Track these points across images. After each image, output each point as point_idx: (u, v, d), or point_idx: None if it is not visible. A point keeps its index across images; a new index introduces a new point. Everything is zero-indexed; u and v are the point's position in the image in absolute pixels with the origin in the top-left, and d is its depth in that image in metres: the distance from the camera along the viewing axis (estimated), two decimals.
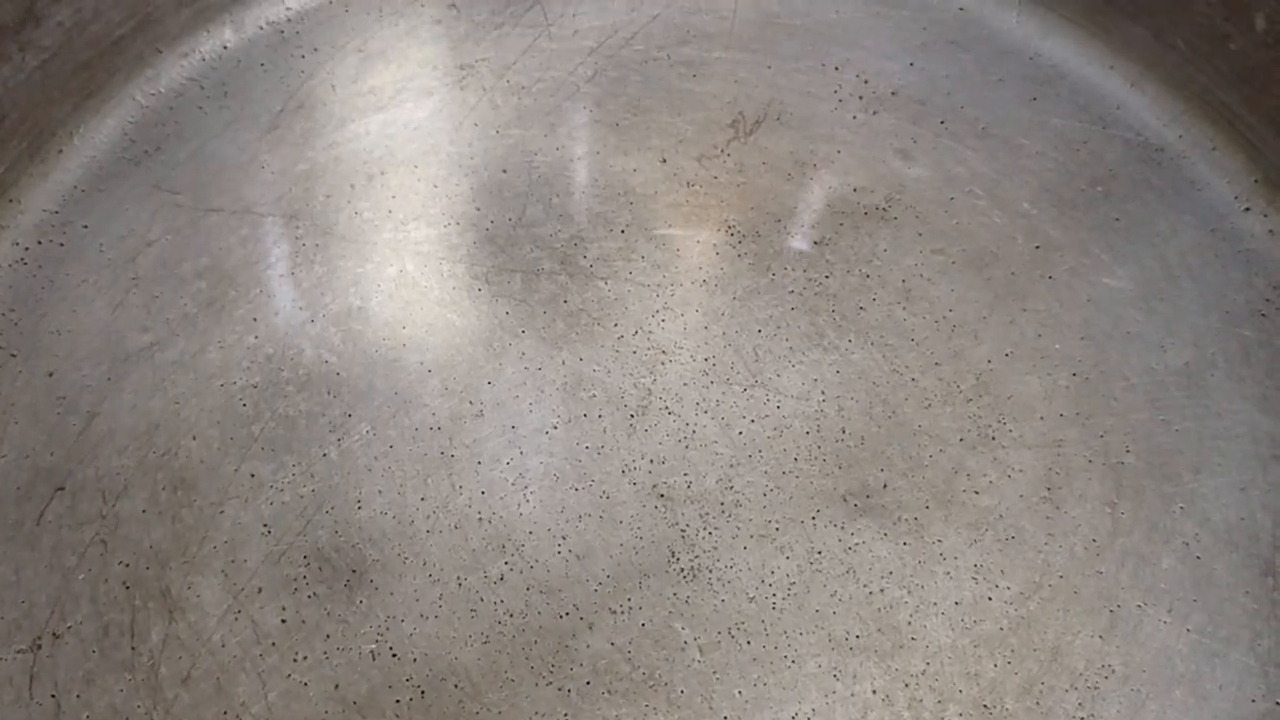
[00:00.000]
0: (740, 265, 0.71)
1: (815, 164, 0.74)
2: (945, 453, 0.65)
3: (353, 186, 0.73)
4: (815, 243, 0.72)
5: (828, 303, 0.70)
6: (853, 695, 0.59)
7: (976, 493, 0.64)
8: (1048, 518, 0.64)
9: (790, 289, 0.70)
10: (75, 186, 0.73)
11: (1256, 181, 0.74)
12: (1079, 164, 0.75)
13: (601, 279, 0.70)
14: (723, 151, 0.75)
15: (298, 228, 0.72)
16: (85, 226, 0.72)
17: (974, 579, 0.62)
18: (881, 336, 0.69)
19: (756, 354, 0.68)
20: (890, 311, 0.69)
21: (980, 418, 0.66)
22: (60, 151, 0.74)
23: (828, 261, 0.71)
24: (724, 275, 0.71)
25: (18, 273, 0.70)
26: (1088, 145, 0.75)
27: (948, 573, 0.62)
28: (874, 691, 0.60)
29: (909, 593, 0.62)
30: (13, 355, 0.67)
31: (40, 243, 0.71)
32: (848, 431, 0.66)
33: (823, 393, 0.67)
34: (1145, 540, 0.63)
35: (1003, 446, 0.65)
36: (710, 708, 0.59)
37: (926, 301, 0.70)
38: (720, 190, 0.73)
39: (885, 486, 0.64)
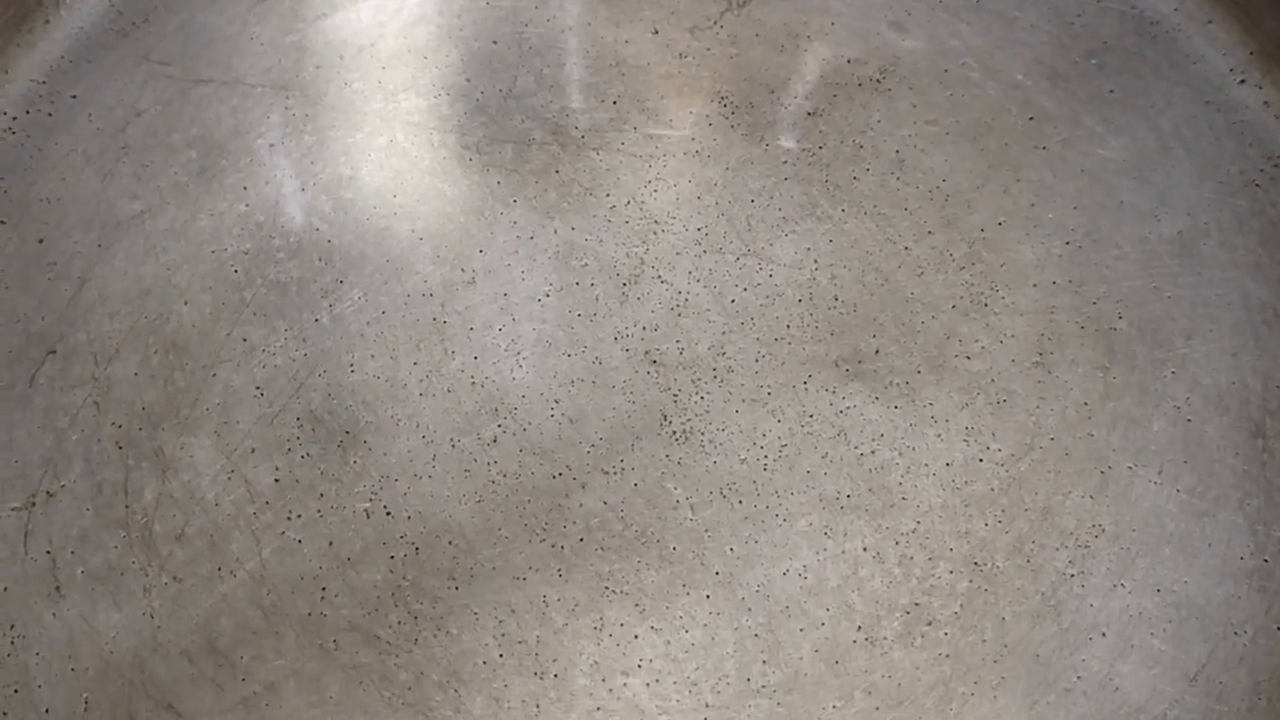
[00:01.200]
0: (733, 136, 0.71)
1: (809, 35, 0.74)
2: (937, 319, 0.65)
3: (342, 58, 0.72)
4: (808, 114, 0.71)
5: (821, 173, 0.69)
6: (843, 552, 0.60)
7: (968, 358, 0.64)
8: (1039, 382, 0.64)
9: (783, 159, 0.70)
10: (63, 57, 0.73)
11: (1252, 54, 0.73)
12: (1073, 37, 0.74)
13: (593, 149, 0.70)
14: (715, 23, 0.74)
15: (287, 98, 0.71)
16: (74, 97, 0.71)
17: (965, 441, 0.62)
18: (875, 206, 0.68)
19: (749, 223, 0.68)
20: (884, 181, 0.69)
21: (973, 285, 0.66)
22: (47, 22, 0.74)
23: (821, 132, 0.71)
24: (716, 146, 0.70)
25: (6, 141, 0.69)
26: (1082, 18, 0.75)
27: (939, 435, 0.63)
28: (864, 549, 0.60)
29: (900, 454, 0.62)
30: (2, 222, 0.67)
31: (28, 112, 0.70)
32: (840, 299, 0.66)
33: (815, 261, 0.67)
34: (1136, 404, 0.63)
35: (995, 313, 0.65)
36: (702, 564, 0.59)
37: (920, 171, 0.70)
38: (713, 61, 0.73)
39: (877, 352, 0.64)
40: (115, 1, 0.74)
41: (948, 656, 0.58)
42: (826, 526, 0.60)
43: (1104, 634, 0.58)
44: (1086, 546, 0.60)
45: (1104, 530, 0.60)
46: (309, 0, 0.74)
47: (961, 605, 0.59)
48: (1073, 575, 0.60)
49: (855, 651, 0.58)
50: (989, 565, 0.60)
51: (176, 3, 0.74)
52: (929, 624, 0.59)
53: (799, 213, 0.68)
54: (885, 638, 0.58)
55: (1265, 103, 0.72)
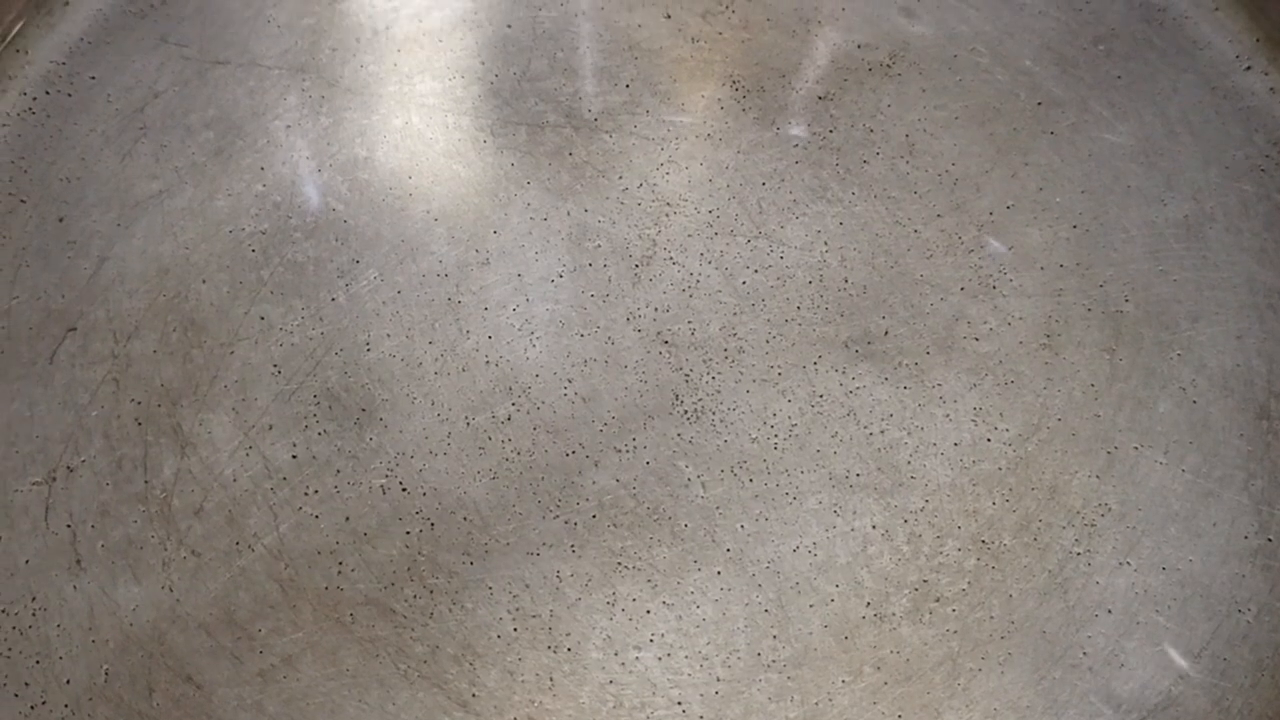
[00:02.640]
0: (744, 120, 0.71)
1: (820, 20, 0.75)
2: (946, 301, 0.66)
3: (358, 40, 0.73)
4: (819, 98, 0.72)
5: (831, 156, 0.70)
6: (853, 530, 0.61)
7: (977, 339, 0.65)
8: (1046, 363, 0.65)
9: (794, 143, 0.70)
10: (82, 38, 0.73)
11: (1258, 40, 0.74)
12: (1081, 22, 0.75)
13: (606, 132, 0.71)
14: (727, 8, 0.75)
15: (304, 80, 0.72)
16: (93, 78, 0.72)
17: (973, 421, 0.63)
18: (884, 189, 0.69)
19: (760, 206, 0.69)
20: (893, 165, 0.70)
21: (981, 268, 0.67)
22: (66, 4, 0.74)
23: (831, 116, 0.71)
24: (728, 129, 0.71)
25: (26, 122, 0.70)
26: (1090, 4, 0.75)
27: (947, 415, 0.63)
28: (873, 527, 0.61)
29: (909, 434, 0.63)
30: (22, 201, 0.68)
31: (48, 93, 0.71)
32: (850, 281, 0.67)
33: (825, 243, 0.68)
34: (1143, 385, 0.64)
35: (1003, 295, 0.66)
36: (713, 540, 0.60)
37: (929, 156, 0.70)
38: (724, 45, 0.74)
39: (886, 333, 0.65)
40: None
41: (955, 633, 0.59)
42: (836, 504, 0.61)
43: (1110, 611, 0.59)
44: (1093, 525, 0.61)
45: (1110, 509, 0.61)
46: None
47: (969, 582, 0.60)
48: (1079, 554, 0.60)
49: (864, 627, 0.59)
50: (996, 543, 0.60)
51: None
52: (937, 600, 0.59)
53: (809, 196, 0.69)
54: (894, 614, 0.59)
55: (1271, 89, 0.73)
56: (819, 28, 0.74)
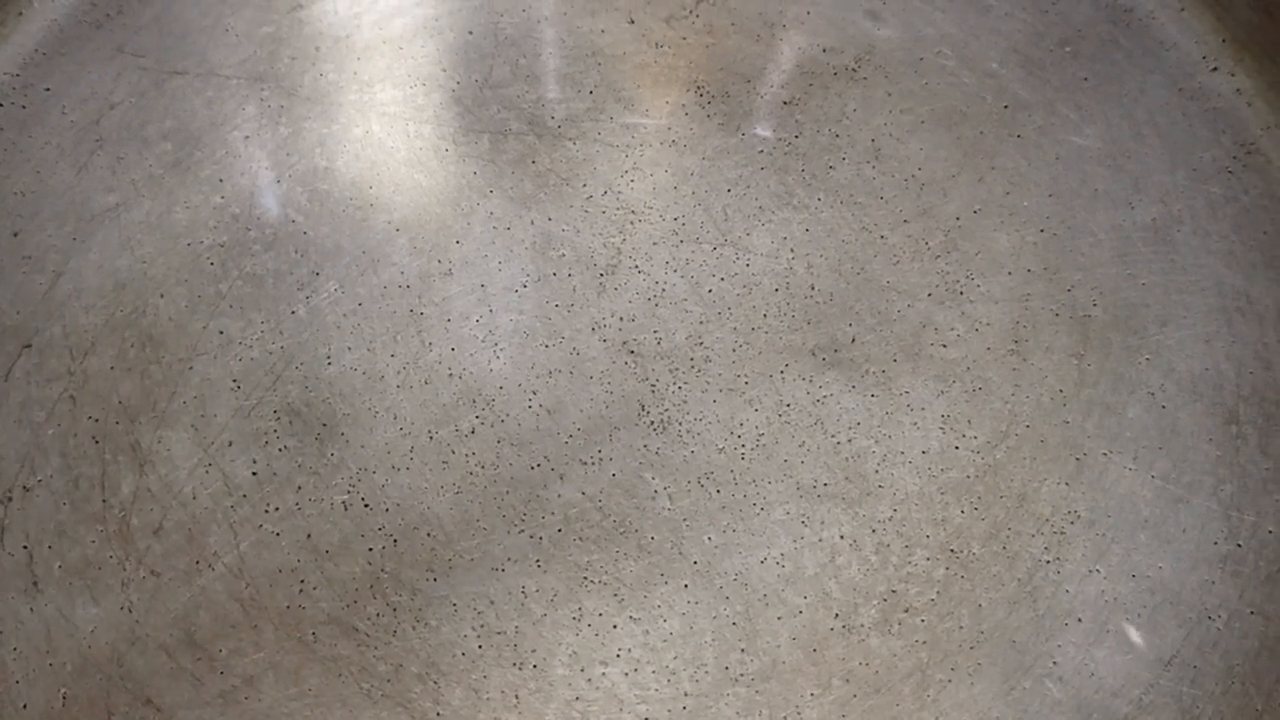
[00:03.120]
0: (709, 125, 0.71)
1: (784, 25, 0.74)
2: (913, 307, 0.66)
3: (318, 49, 0.72)
4: (784, 103, 0.71)
5: (797, 162, 0.69)
6: (820, 540, 0.60)
7: (944, 346, 0.65)
8: (1014, 369, 0.64)
9: (759, 149, 0.70)
10: (36, 50, 0.72)
11: (1224, 41, 0.74)
12: (1047, 24, 0.74)
13: (570, 139, 0.70)
14: (691, 12, 0.74)
15: (263, 90, 0.71)
16: (47, 89, 0.71)
17: (941, 429, 0.63)
18: (850, 195, 0.69)
19: (726, 213, 0.68)
20: (859, 170, 0.69)
21: (948, 273, 0.66)
22: (20, 14, 0.73)
23: (797, 121, 0.71)
24: (693, 135, 0.70)
25: None
26: (1056, 6, 0.75)
27: (915, 423, 0.63)
28: (841, 537, 0.60)
29: (876, 442, 0.62)
30: None
31: (1, 105, 0.70)
32: (816, 288, 0.66)
33: (792, 250, 0.67)
34: (1111, 390, 0.64)
35: (970, 301, 0.66)
36: (680, 553, 0.60)
37: (895, 160, 0.70)
38: (689, 51, 0.73)
39: (853, 341, 0.65)
40: None
41: (924, 643, 0.58)
42: (804, 515, 0.61)
43: (1080, 620, 0.59)
44: (1062, 533, 0.61)
45: (1079, 516, 0.61)
46: None
47: (938, 592, 0.59)
48: (1048, 562, 0.60)
49: (833, 639, 0.58)
50: (965, 552, 0.60)
51: None
52: (906, 611, 0.59)
53: (775, 202, 0.68)
54: (862, 625, 0.59)
55: (1237, 90, 0.72)
56: (784, 32, 0.74)
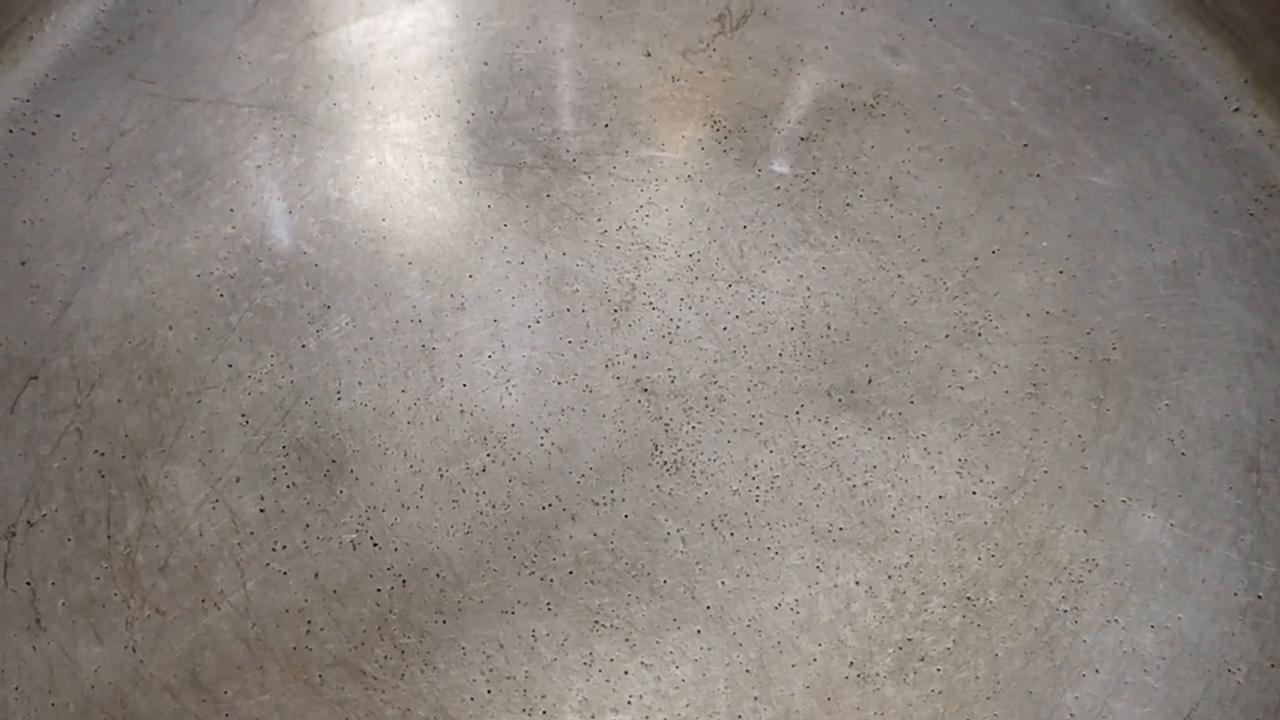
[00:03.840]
0: (725, 161, 0.70)
1: (802, 60, 0.73)
2: (930, 348, 0.65)
3: (331, 78, 0.72)
4: (802, 139, 0.71)
5: (814, 199, 0.69)
6: (835, 586, 0.59)
7: (961, 388, 0.64)
8: (1033, 413, 0.63)
9: (776, 185, 0.69)
10: (47, 75, 0.72)
11: (1246, 82, 0.73)
12: (1067, 63, 0.74)
13: (585, 173, 0.69)
14: (708, 46, 0.73)
15: (275, 119, 0.70)
16: (58, 115, 0.70)
17: (958, 473, 0.62)
18: (868, 233, 0.68)
19: (742, 250, 0.67)
20: (877, 208, 0.69)
21: (966, 314, 0.66)
22: (31, 39, 0.73)
23: (814, 158, 0.70)
24: (709, 171, 0.70)
25: None
26: (1076, 44, 0.74)
27: (932, 467, 0.62)
28: (857, 583, 0.59)
29: (892, 486, 0.62)
30: None
31: (11, 131, 0.69)
32: (833, 327, 0.65)
33: (808, 289, 0.66)
34: (1130, 436, 0.63)
35: (988, 343, 0.65)
36: (693, 597, 0.59)
37: (913, 198, 0.69)
38: (705, 85, 0.72)
39: (870, 382, 0.64)
40: (100, 19, 0.73)
41: (940, 693, 0.57)
42: (818, 560, 0.60)
43: (1097, 670, 0.58)
44: (1080, 581, 0.60)
45: (1098, 565, 0.60)
46: (297, 19, 0.73)
47: (954, 641, 0.58)
48: (1066, 611, 0.59)
49: (847, 688, 0.57)
50: (982, 600, 0.59)
51: (162, 20, 0.73)
52: (921, 660, 0.58)
53: (792, 239, 0.67)
54: (877, 674, 0.58)
55: (1260, 131, 0.72)
56: (802, 66, 0.73)
